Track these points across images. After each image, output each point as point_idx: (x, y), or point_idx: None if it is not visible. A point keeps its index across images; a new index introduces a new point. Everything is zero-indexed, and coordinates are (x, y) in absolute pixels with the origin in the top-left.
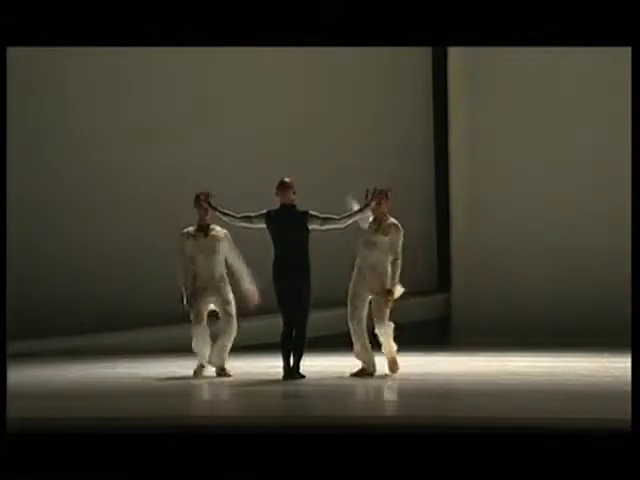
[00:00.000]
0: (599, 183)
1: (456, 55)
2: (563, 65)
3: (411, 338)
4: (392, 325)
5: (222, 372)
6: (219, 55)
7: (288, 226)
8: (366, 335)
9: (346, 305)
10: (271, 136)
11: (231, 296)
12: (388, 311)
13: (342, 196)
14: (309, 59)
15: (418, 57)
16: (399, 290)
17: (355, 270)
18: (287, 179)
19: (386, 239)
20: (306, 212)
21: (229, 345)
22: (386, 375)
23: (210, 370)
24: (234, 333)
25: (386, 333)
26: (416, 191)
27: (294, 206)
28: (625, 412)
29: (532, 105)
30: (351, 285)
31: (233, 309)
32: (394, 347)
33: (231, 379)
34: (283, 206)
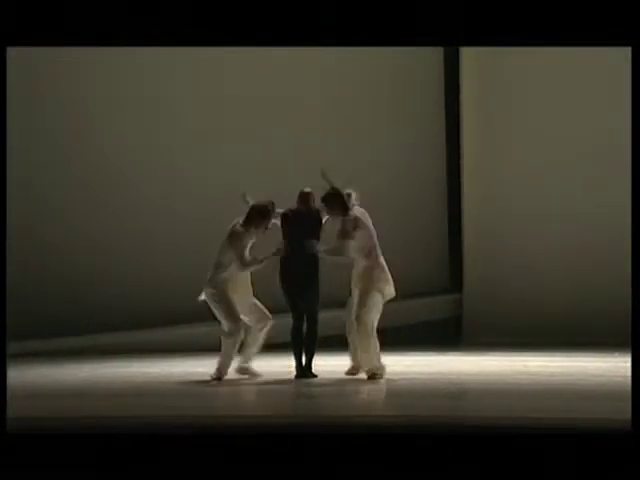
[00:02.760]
0: (617, 181)
1: (469, 53)
2: (575, 64)
3: (423, 337)
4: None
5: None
6: (229, 54)
7: (304, 223)
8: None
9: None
10: (283, 135)
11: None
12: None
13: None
14: (324, 59)
15: (431, 55)
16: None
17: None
18: (307, 189)
19: None
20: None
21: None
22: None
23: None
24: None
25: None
26: (428, 190)
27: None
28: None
29: (545, 104)
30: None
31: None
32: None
33: (244, 379)
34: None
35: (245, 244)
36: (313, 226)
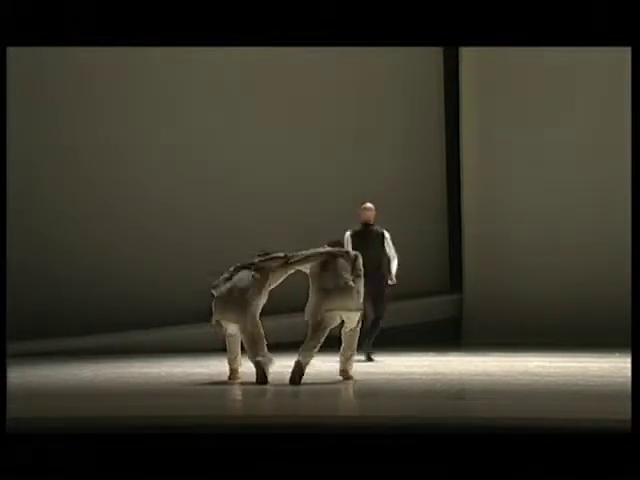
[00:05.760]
0: (616, 181)
1: (468, 54)
2: (575, 64)
3: (423, 338)
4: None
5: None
6: (229, 54)
7: (368, 243)
8: None
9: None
10: (284, 135)
11: None
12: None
13: (353, 194)
14: (323, 59)
15: (430, 57)
16: None
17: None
18: (369, 204)
19: None
20: (382, 233)
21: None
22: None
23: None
24: None
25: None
26: (428, 192)
27: (373, 225)
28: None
29: (545, 104)
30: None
31: None
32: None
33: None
34: (363, 225)
35: None
36: (378, 245)
